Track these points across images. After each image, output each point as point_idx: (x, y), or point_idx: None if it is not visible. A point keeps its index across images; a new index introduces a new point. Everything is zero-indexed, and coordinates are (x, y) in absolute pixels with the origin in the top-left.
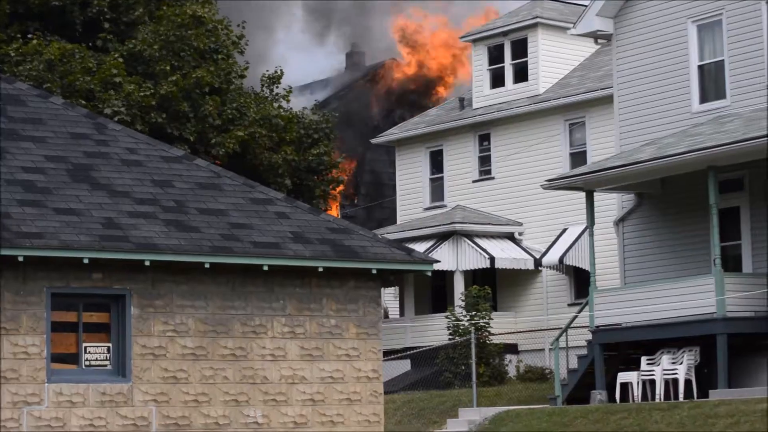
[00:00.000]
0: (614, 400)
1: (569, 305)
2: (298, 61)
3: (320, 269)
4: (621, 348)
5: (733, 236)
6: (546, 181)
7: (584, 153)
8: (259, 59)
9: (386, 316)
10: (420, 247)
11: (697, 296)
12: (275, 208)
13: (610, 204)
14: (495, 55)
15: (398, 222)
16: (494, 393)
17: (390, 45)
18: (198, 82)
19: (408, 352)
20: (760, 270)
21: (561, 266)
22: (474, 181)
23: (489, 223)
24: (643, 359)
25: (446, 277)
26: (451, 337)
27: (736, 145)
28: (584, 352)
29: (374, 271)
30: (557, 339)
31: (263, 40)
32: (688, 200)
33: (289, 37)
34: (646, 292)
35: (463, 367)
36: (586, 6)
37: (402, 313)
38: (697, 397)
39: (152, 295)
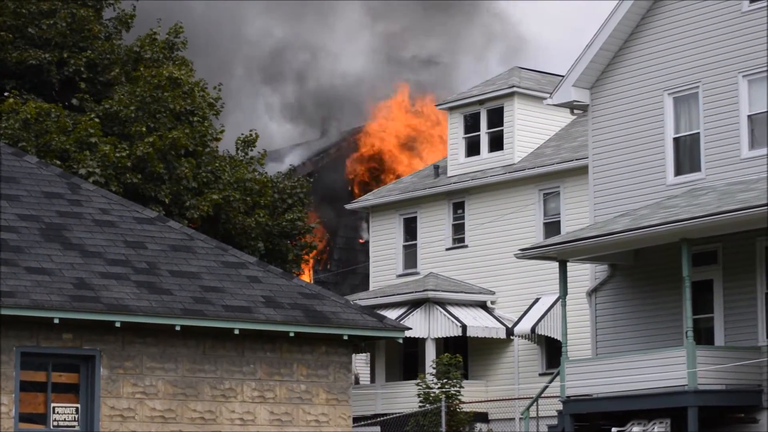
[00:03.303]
0: None
1: (540, 375)
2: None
3: (291, 334)
4: (592, 418)
5: (706, 309)
6: (519, 250)
7: (558, 223)
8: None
9: (357, 381)
10: (392, 314)
11: (668, 368)
12: (247, 272)
13: (583, 274)
14: (471, 124)
15: (371, 288)
16: None
17: (363, 110)
18: (174, 144)
19: (378, 419)
20: (732, 343)
21: (533, 336)
22: (447, 249)
23: (461, 291)
24: (614, 430)
25: (418, 344)
26: (421, 404)
27: (710, 218)
28: (555, 422)
29: (345, 337)
30: (528, 408)
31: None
32: (662, 272)
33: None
34: (618, 363)
35: None
36: (563, 76)
37: (373, 379)
38: None
39: (122, 357)
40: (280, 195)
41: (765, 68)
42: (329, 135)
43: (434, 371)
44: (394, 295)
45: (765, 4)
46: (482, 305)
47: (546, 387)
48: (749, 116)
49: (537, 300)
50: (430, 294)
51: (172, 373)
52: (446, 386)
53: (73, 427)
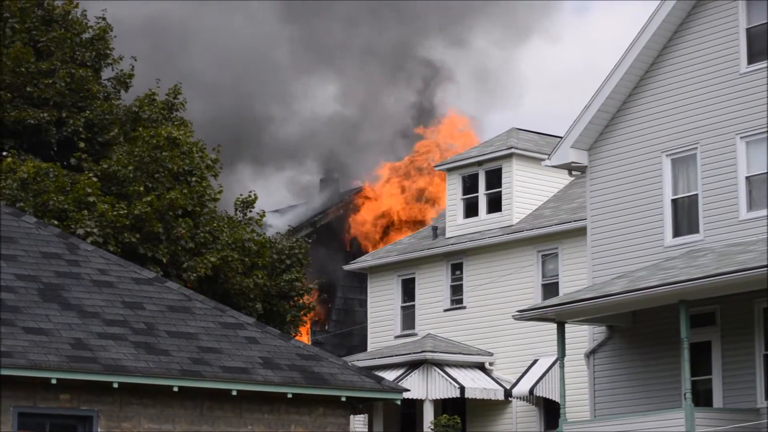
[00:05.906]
0: None
1: None
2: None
3: (289, 395)
4: None
5: (705, 370)
6: (517, 311)
7: (556, 284)
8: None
9: None
10: (390, 375)
11: (667, 430)
12: (245, 333)
13: (582, 336)
14: (469, 185)
15: (369, 349)
16: None
17: (365, 169)
18: (172, 204)
19: None
20: (730, 405)
21: (531, 397)
22: (445, 310)
23: (460, 353)
24: None
25: (416, 405)
26: None
27: (709, 279)
28: None
29: (343, 399)
30: None
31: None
32: (660, 334)
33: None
34: (616, 425)
35: None
36: (561, 137)
37: None
38: None
39: (120, 417)
40: (278, 255)
41: (763, 130)
42: (328, 195)
43: None
44: (392, 356)
45: (764, 65)
46: (480, 366)
47: None
48: (747, 178)
49: (535, 361)
50: (428, 355)
51: None
52: None
53: None
